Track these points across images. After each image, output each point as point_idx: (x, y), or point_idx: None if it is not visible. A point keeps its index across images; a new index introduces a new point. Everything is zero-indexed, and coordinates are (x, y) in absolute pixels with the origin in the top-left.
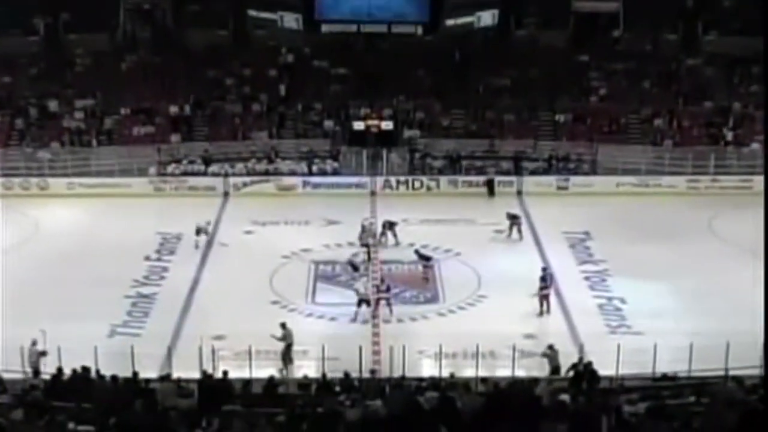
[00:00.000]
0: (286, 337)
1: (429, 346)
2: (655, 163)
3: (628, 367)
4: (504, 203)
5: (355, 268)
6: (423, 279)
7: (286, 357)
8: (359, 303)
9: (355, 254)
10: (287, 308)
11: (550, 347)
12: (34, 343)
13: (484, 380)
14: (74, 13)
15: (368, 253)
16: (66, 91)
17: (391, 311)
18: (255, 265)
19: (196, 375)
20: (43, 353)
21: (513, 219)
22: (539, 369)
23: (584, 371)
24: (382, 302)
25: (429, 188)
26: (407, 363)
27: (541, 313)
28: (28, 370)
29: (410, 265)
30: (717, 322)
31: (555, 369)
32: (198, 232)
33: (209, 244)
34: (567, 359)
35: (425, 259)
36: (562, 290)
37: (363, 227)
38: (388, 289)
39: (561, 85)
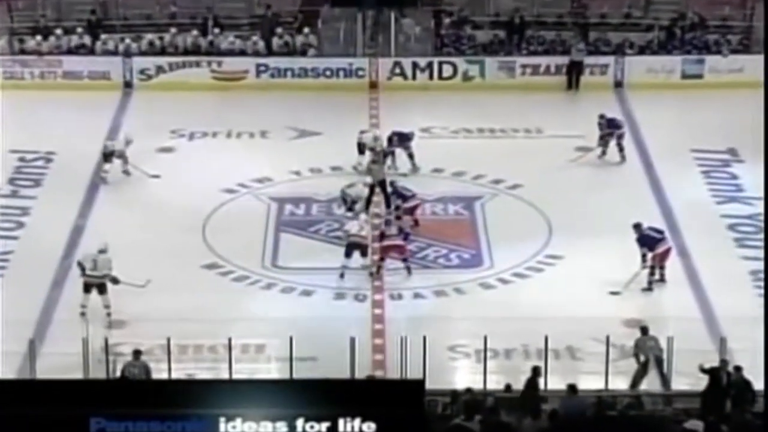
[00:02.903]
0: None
1: (467, 338)
2: None
3: None
4: (593, 102)
5: (350, 206)
6: (406, 227)
7: None
8: (348, 250)
9: (350, 185)
10: (231, 275)
11: (643, 330)
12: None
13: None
14: None
15: (375, 189)
16: None
17: (409, 271)
18: (177, 205)
19: None
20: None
21: (609, 128)
22: (649, 377)
23: (728, 381)
24: (393, 254)
25: (467, 77)
26: (430, 366)
27: (650, 286)
28: None
29: (436, 204)
30: None
31: (650, 366)
32: (108, 156)
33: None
34: (698, 360)
35: (401, 197)
36: (690, 247)
37: (360, 145)
38: (404, 236)
39: None
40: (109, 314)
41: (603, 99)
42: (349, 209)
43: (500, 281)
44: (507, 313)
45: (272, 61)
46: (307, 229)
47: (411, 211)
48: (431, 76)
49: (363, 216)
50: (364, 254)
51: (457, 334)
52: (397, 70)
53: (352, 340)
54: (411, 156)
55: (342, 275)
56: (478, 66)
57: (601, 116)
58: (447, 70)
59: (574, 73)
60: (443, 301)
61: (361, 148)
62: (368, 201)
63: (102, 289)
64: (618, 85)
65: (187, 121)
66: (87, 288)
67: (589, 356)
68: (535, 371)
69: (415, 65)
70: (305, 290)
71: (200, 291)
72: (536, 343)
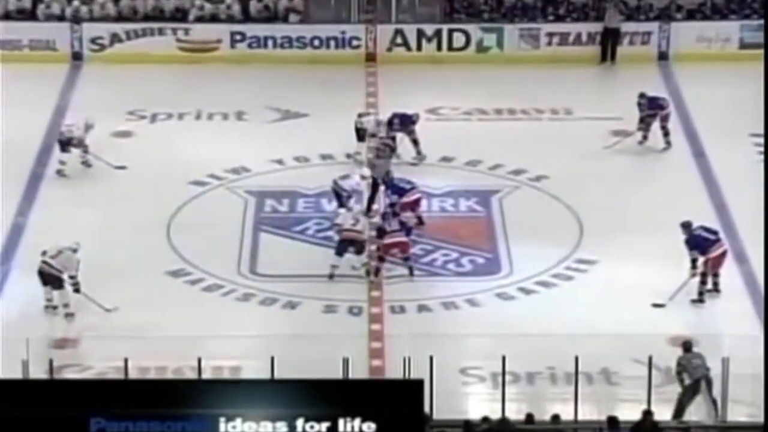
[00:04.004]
0: None
1: (482, 358)
2: None
3: None
4: (633, 77)
5: (344, 203)
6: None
7: None
8: (341, 247)
9: (344, 176)
10: (200, 284)
11: (686, 347)
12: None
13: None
14: None
15: (378, 187)
16: None
17: (411, 272)
18: (136, 200)
19: None
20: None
21: (651, 108)
22: (695, 402)
23: None
24: (394, 253)
25: (482, 47)
26: (438, 392)
27: (701, 297)
28: None
29: (445, 199)
30: None
31: (701, 388)
32: (65, 144)
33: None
34: (758, 385)
35: (397, 192)
36: (749, 250)
37: (360, 130)
38: (406, 231)
39: None
40: (68, 314)
41: (644, 73)
42: (343, 206)
43: (521, 291)
44: (529, 329)
45: (250, 29)
46: (292, 228)
47: (412, 206)
48: (439, 47)
49: (358, 207)
50: (359, 252)
51: (470, 355)
52: (399, 40)
53: (345, 362)
54: (415, 142)
55: (332, 276)
56: (496, 34)
57: (642, 95)
58: (458, 40)
59: (609, 42)
60: (453, 315)
61: (361, 135)
62: (371, 200)
63: (57, 285)
64: (662, 56)
65: (148, 100)
66: (42, 279)
67: (629, 381)
68: (648, 414)
69: (420, 33)
70: (289, 302)
71: (164, 302)
72: (565, 365)
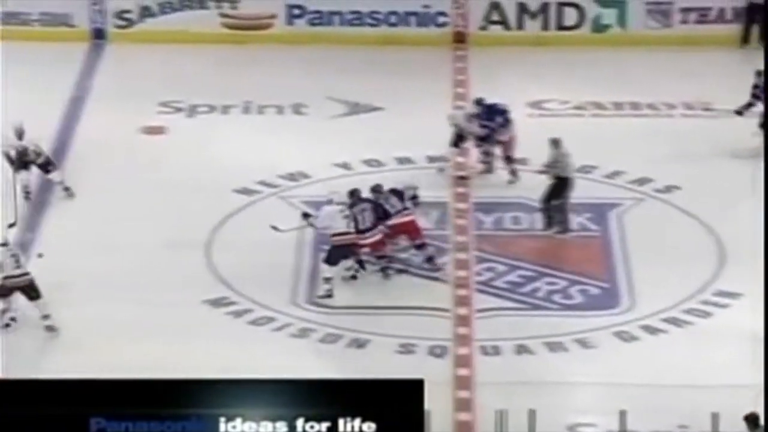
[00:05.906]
0: None
1: (595, 413)
2: None
3: None
4: None
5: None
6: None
7: None
8: (336, 255)
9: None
10: (246, 316)
11: None
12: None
13: None
14: None
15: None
16: None
17: (431, 261)
18: (168, 211)
19: None
20: None
21: None
22: None
23: None
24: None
25: (599, 26)
26: None
27: None
28: None
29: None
30: None
31: None
32: (20, 161)
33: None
34: None
35: (380, 216)
36: None
37: (456, 129)
38: (427, 260)
39: None
40: (49, 327)
41: None
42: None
43: (645, 330)
44: (655, 377)
45: (310, 2)
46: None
47: (406, 230)
48: (546, 25)
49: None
50: (361, 264)
51: (580, 408)
52: (496, 16)
53: (426, 415)
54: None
55: (329, 295)
56: (617, 10)
57: None
58: (570, 16)
59: (756, 20)
60: (560, 359)
61: (459, 137)
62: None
63: (31, 293)
64: None
65: (186, 88)
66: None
67: None
68: None
69: (521, 9)
70: (356, 339)
71: (201, 338)
72: (700, 423)
